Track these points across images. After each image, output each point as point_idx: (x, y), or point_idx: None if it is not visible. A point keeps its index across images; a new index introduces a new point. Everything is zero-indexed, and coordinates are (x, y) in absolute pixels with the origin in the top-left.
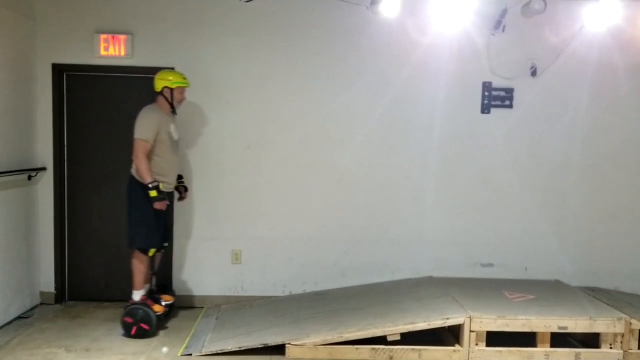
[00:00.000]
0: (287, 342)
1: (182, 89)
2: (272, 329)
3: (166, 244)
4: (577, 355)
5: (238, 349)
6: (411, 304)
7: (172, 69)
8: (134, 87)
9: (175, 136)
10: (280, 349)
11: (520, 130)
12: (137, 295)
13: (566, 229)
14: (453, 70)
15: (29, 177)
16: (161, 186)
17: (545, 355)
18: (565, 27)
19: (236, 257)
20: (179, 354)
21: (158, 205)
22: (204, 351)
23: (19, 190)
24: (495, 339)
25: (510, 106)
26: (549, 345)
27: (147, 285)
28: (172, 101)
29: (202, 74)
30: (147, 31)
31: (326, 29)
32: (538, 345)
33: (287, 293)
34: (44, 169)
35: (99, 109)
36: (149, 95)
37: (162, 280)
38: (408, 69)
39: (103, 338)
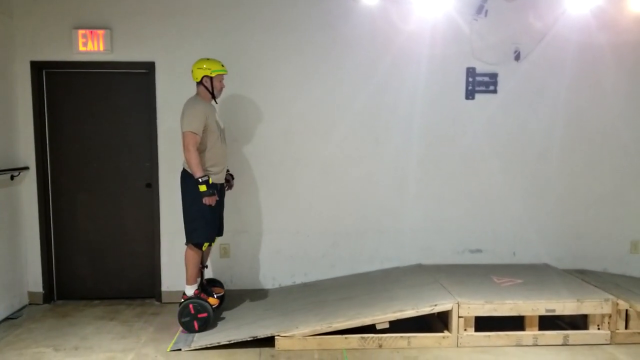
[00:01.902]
0: (277, 334)
1: (221, 77)
2: (261, 321)
3: (219, 236)
4: (565, 337)
5: (227, 343)
6: (400, 292)
7: (153, 63)
8: (115, 82)
9: (222, 125)
10: (270, 341)
11: (505, 115)
12: (191, 290)
13: (553, 212)
14: (436, 57)
15: (12, 177)
16: (211, 180)
17: (533, 338)
18: (548, 10)
19: (225, 252)
20: (168, 350)
21: (207, 201)
22: (193, 346)
23: (2, 190)
24: (486, 324)
25: (494, 91)
26: (537, 328)
27: (199, 280)
28: (212, 90)
29: (184, 68)
30: (126, 26)
31: (308, 18)
32: (526, 328)
33: (276, 286)
34: (26, 168)
35: (81, 106)
36: (130, 91)
37: (151, 276)
38: (391, 57)
39: (92, 336)
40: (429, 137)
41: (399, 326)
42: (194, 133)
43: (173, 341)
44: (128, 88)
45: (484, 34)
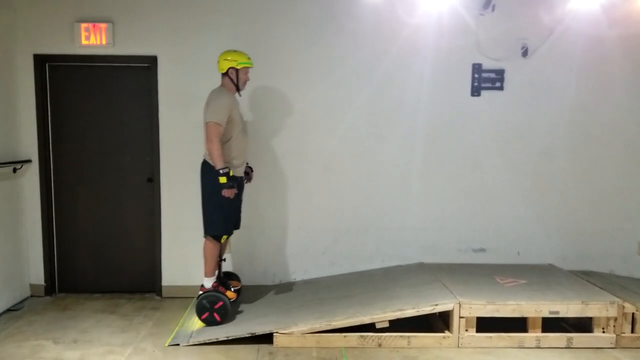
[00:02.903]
0: (275, 331)
1: (247, 70)
2: (260, 318)
3: (237, 229)
4: (569, 340)
5: (226, 339)
6: (400, 291)
7: (155, 57)
8: (117, 76)
9: (244, 117)
10: (268, 338)
11: (511, 112)
12: (209, 282)
13: (558, 212)
14: (442, 52)
15: (14, 170)
16: (232, 172)
17: (536, 340)
18: (556, 5)
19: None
20: (166, 345)
21: (226, 193)
22: (192, 341)
23: (5, 183)
24: (488, 324)
25: (501, 88)
26: (540, 330)
27: (217, 272)
28: (237, 82)
29: (187, 63)
30: (128, 19)
31: (312, 11)
32: (529, 330)
33: (276, 282)
34: (29, 161)
35: (83, 99)
36: (133, 85)
37: (151, 270)
38: (396, 51)
39: (92, 330)
40: (433, 133)
41: (399, 325)
42: (218, 124)
43: (172, 336)
44: (130, 82)
45: (490, 29)
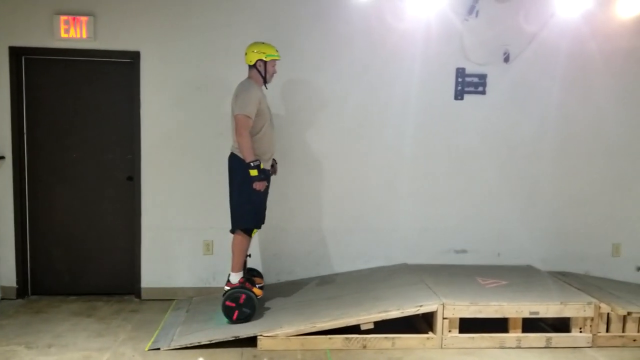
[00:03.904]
0: (259, 333)
1: (274, 62)
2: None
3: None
4: (548, 340)
5: (208, 342)
6: (385, 292)
7: (138, 52)
8: (98, 71)
9: (271, 110)
10: (252, 341)
11: (493, 117)
12: (236, 278)
13: (538, 214)
14: (427, 56)
15: None
16: (262, 165)
17: (517, 340)
18: (538, 12)
19: (207, 248)
20: (146, 349)
21: (258, 186)
22: (173, 345)
23: None
24: (469, 325)
25: (483, 92)
26: (520, 330)
27: (244, 268)
28: (265, 75)
29: (171, 59)
30: (110, 13)
31: (300, 12)
32: (510, 330)
33: (261, 283)
34: (2, 157)
35: (61, 95)
36: (114, 81)
37: (130, 272)
38: (384, 54)
39: (67, 334)
40: (418, 136)
41: (384, 326)
42: (248, 117)
43: (152, 340)
44: (111, 78)
45: (474, 34)
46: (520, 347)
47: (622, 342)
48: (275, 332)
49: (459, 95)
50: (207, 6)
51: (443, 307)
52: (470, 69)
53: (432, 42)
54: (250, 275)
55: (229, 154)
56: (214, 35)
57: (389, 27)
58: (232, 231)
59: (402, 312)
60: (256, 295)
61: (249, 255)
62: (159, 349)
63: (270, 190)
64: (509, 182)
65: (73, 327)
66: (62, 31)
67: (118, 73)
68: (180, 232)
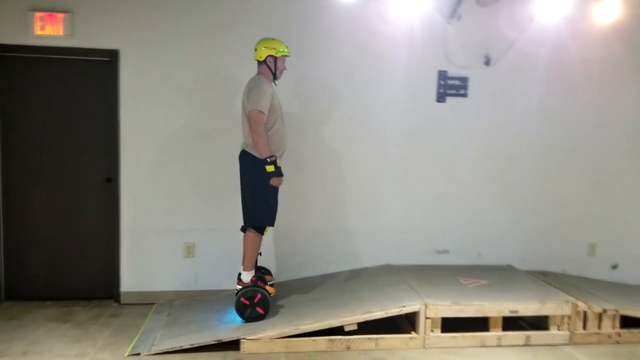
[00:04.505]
0: (242, 337)
1: (284, 58)
2: (227, 324)
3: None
4: (527, 338)
5: (190, 346)
6: (369, 293)
7: (117, 51)
8: (75, 70)
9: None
10: (235, 345)
11: (475, 119)
12: (248, 276)
13: (518, 215)
14: (411, 59)
15: None
16: (278, 161)
17: (497, 339)
18: (519, 17)
19: (189, 251)
20: (126, 355)
21: (275, 182)
22: (154, 350)
23: None
24: (451, 324)
25: (465, 95)
26: (501, 329)
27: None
28: (275, 71)
29: (152, 58)
30: (88, 10)
31: (285, 14)
32: (490, 329)
33: None
34: None
35: (37, 94)
36: (92, 80)
37: (109, 275)
38: (368, 57)
39: (43, 340)
40: (401, 138)
41: (367, 327)
42: (261, 112)
43: (132, 345)
44: (89, 77)
45: (456, 38)
46: (500, 346)
47: (598, 339)
48: (259, 334)
49: (441, 98)
50: (189, 5)
51: (425, 307)
52: (452, 71)
53: (415, 45)
54: (261, 273)
55: (239, 152)
56: (196, 34)
57: (374, 30)
58: (244, 229)
59: (386, 313)
60: (269, 294)
61: (260, 254)
62: (139, 354)
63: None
64: (489, 184)
65: (49, 334)
66: (38, 28)
67: (96, 72)
68: (160, 234)
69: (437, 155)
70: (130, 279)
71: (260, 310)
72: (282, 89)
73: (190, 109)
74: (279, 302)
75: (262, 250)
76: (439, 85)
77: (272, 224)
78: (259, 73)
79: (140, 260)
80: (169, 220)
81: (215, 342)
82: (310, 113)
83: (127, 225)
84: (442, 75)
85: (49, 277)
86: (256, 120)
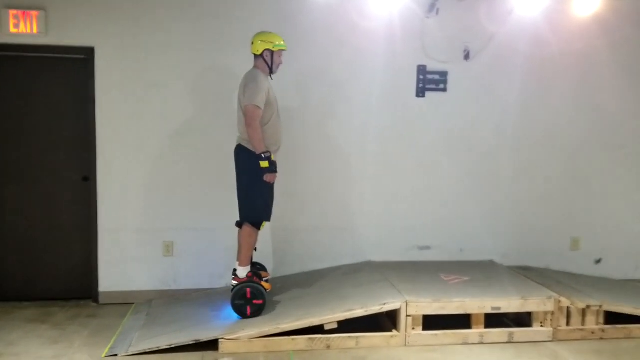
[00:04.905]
0: (221, 336)
1: (281, 52)
2: (206, 323)
3: None
4: (510, 335)
5: (168, 347)
6: (350, 291)
7: (92, 48)
8: (50, 68)
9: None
10: (214, 344)
11: (455, 114)
12: (244, 272)
13: (499, 210)
14: (389, 54)
15: None
16: (273, 157)
17: (480, 336)
18: (497, 11)
19: (168, 250)
20: (103, 355)
21: (268, 178)
22: (131, 351)
23: None
24: (433, 321)
25: (444, 90)
26: (483, 326)
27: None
28: (271, 65)
29: (127, 55)
30: (62, 7)
31: (260, 8)
32: (473, 326)
33: (223, 285)
34: None
35: (11, 92)
36: (67, 78)
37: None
38: (346, 52)
39: (19, 341)
40: (381, 134)
41: (348, 325)
42: (257, 107)
43: (109, 346)
44: (64, 74)
45: (435, 32)
46: (483, 343)
47: (582, 335)
48: (238, 334)
49: (420, 93)
50: (166, 2)
51: (406, 304)
52: (431, 66)
53: (394, 39)
54: (256, 269)
55: (235, 146)
56: (172, 31)
57: (352, 26)
58: (239, 225)
59: (366, 311)
60: (265, 289)
61: (255, 249)
62: (116, 355)
63: (229, 191)
64: (471, 179)
65: (26, 335)
66: (12, 26)
67: (71, 70)
68: (139, 233)
69: (417, 150)
70: (109, 279)
71: (248, 311)
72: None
73: (167, 107)
74: None
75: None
76: (419, 80)
77: (268, 219)
78: (255, 67)
79: (119, 260)
80: (147, 218)
81: (194, 342)
82: (286, 109)
83: (104, 224)
84: (422, 70)
85: (26, 278)
86: (252, 114)
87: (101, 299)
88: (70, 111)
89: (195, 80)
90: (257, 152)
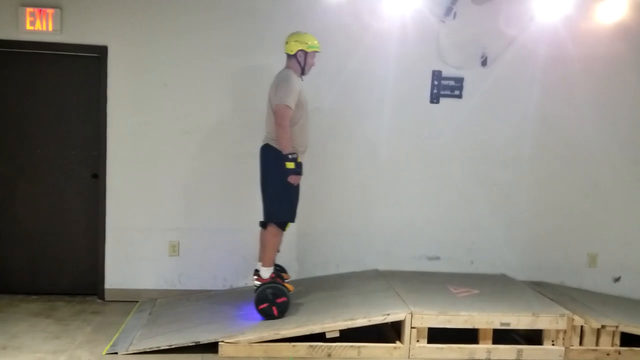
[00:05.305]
0: (221, 339)
1: (314, 54)
2: (206, 325)
3: None
4: (519, 352)
5: (168, 347)
6: (353, 299)
7: (105, 47)
8: (64, 66)
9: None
10: (213, 347)
11: (470, 121)
12: (267, 272)
13: (513, 222)
14: (403, 57)
15: None
16: (299, 158)
17: (487, 352)
18: (516, 16)
19: (173, 249)
20: (103, 353)
21: (293, 180)
22: (131, 349)
23: None
24: (439, 334)
25: (459, 96)
26: (491, 341)
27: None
28: (304, 66)
29: (140, 55)
30: (77, 5)
31: (273, 9)
32: (480, 341)
33: (227, 287)
34: None
35: (25, 88)
36: (80, 76)
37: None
38: (358, 56)
39: (23, 335)
40: (393, 139)
41: (351, 334)
42: (289, 107)
43: (110, 343)
44: (77, 72)
45: (451, 37)
46: (490, 359)
47: (595, 356)
48: (237, 338)
49: (434, 99)
50: (179, 2)
51: (411, 315)
52: (446, 72)
53: (408, 44)
54: (276, 270)
55: (261, 145)
56: (186, 32)
57: (365, 27)
58: (263, 225)
59: (369, 321)
60: (289, 290)
61: (278, 251)
62: (116, 353)
63: (237, 192)
64: (484, 189)
65: (30, 328)
66: (28, 23)
67: (85, 68)
68: (145, 232)
69: (430, 158)
70: (115, 276)
71: (275, 311)
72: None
73: (177, 107)
74: None
75: (247, 251)
76: (433, 86)
77: (293, 220)
78: (287, 67)
79: (125, 258)
80: (154, 217)
81: (193, 344)
82: None
83: (112, 222)
84: (437, 75)
85: (34, 272)
86: (282, 114)
87: (106, 296)
88: (82, 109)
89: (206, 81)
90: (284, 153)
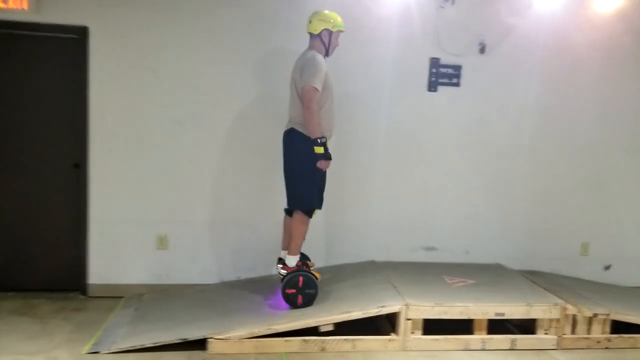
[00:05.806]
0: (210, 336)
1: (339, 34)
2: (195, 321)
3: None
4: (512, 342)
5: (153, 345)
6: (349, 292)
7: (86, 28)
8: (41, 48)
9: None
10: (201, 344)
11: (468, 110)
12: (294, 261)
13: (508, 212)
14: (401, 44)
15: None
16: (328, 143)
17: (481, 342)
18: (516, 3)
19: (161, 242)
20: (83, 352)
21: (322, 165)
22: (114, 348)
23: None
24: (434, 325)
25: (457, 84)
26: (486, 332)
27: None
28: (328, 46)
29: (124, 38)
30: None
31: None
32: (475, 332)
33: (218, 281)
34: None
35: None
36: (58, 59)
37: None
38: (359, 41)
39: None
40: (390, 129)
41: (346, 327)
42: (316, 89)
43: (92, 342)
44: (56, 55)
45: (450, 23)
46: (485, 349)
47: (587, 344)
48: (227, 334)
49: (432, 87)
50: None
51: (407, 307)
52: (444, 59)
53: (406, 30)
54: (303, 259)
55: (284, 130)
56: (171, 14)
57: (365, 10)
58: (289, 212)
59: (364, 313)
60: (315, 277)
61: (304, 239)
62: (98, 352)
63: (228, 184)
64: (480, 178)
65: (5, 328)
66: (0, 1)
67: (63, 49)
68: (131, 224)
69: (427, 147)
70: (99, 271)
71: (299, 301)
72: (273, 74)
73: (166, 94)
74: (253, 299)
75: (240, 243)
76: (431, 74)
77: (320, 207)
78: (310, 47)
79: (110, 251)
80: (140, 209)
81: (180, 341)
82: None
83: (95, 213)
84: (434, 62)
85: (12, 268)
86: (310, 97)
87: (90, 292)
88: (62, 94)
89: (195, 66)
90: (313, 137)
